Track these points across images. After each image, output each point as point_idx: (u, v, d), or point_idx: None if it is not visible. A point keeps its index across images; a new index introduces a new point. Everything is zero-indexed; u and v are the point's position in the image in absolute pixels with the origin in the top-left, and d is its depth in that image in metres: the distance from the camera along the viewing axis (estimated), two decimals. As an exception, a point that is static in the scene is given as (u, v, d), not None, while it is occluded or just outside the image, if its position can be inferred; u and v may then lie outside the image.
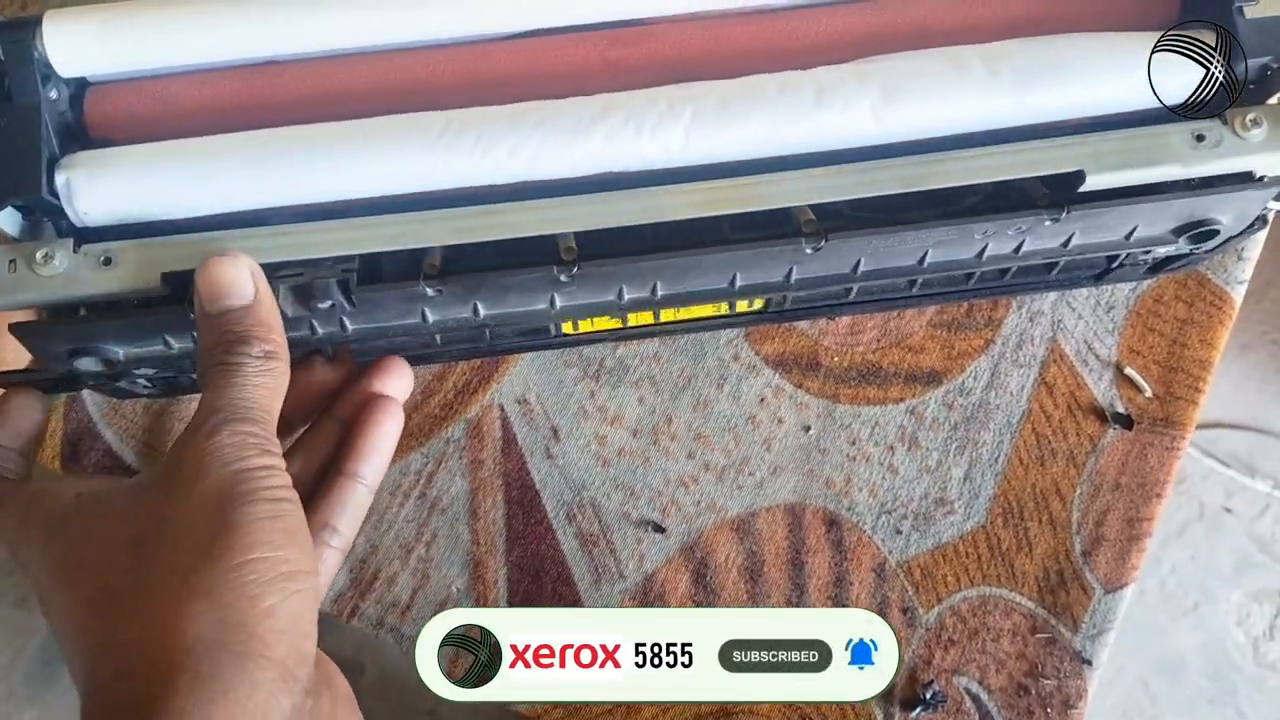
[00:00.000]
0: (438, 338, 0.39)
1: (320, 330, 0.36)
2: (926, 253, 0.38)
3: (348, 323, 0.36)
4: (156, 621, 0.28)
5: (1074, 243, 0.38)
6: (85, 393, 0.46)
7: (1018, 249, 0.38)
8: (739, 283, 0.38)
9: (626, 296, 0.38)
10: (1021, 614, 0.44)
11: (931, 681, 0.43)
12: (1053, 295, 0.47)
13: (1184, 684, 1.13)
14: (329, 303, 0.34)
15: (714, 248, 0.35)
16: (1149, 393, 0.46)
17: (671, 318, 0.43)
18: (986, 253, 0.38)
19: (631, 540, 0.45)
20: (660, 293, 0.38)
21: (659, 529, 0.45)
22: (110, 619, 0.29)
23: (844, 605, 0.44)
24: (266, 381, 0.31)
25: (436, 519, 0.45)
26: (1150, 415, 0.46)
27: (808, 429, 0.46)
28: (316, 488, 0.36)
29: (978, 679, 0.44)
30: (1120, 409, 0.46)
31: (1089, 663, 0.44)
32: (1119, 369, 0.47)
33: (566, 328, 0.42)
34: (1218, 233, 0.38)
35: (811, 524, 0.45)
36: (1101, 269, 0.44)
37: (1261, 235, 0.47)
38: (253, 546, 0.29)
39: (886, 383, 0.46)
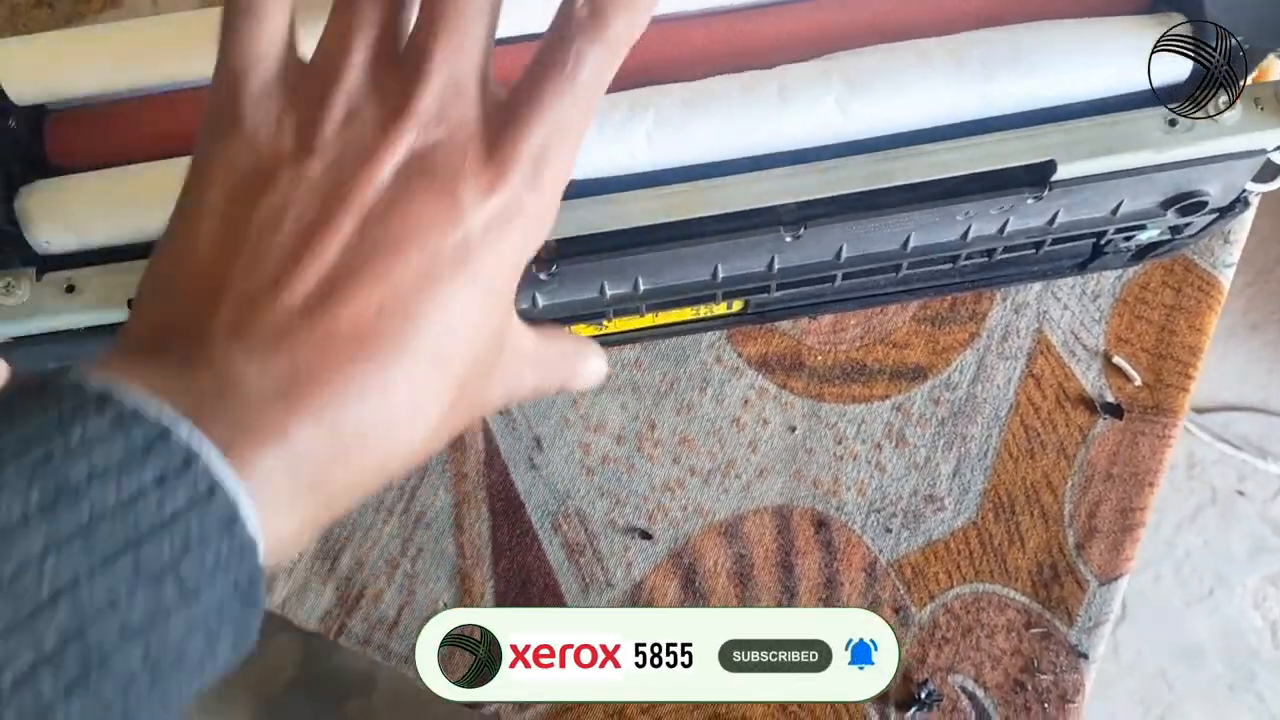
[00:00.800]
0: None
1: None
2: (909, 236, 0.37)
3: None
4: None
5: (1059, 220, 0.38)
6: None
7: (1002, 229, 0.38)
8: (721, 274, 0.38)
9: (609, 292, 0.37)
10: (1015, 609, 0.44)
11: (926, 680, 0.43)
12: (1037, 286, 0.47)
13: (1202, 671, 1.12)
14: None
15: (694, 240, 0.34)
16: (1138, 381, 0.46)
17: (652, 322, 0.43)
18: (971, 233, 0.38)
19: (619, 548, 0.44)
20: (642, 287, 0.37)
21: (646, 535, 0.45)
22: None
23: (835, 606, 0.44)
24: None
25: (421, 534, 0.45)
26: (1140, 404, 0.45)
27: (793, 429, 0.45)
28: None
29: (973, 676, 0.43)
30: (1109, 398, 0.46)
31: (1085, 656, 0.43)
32: (1107, 358, 0.46)
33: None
34: (1206, 204, 0.38)
35: (800, 525, 0.45)
36: (1085, 256, 0.43)
37: (1248, 217, 0.46)
38: None
39: (871, 380, 0.46)
